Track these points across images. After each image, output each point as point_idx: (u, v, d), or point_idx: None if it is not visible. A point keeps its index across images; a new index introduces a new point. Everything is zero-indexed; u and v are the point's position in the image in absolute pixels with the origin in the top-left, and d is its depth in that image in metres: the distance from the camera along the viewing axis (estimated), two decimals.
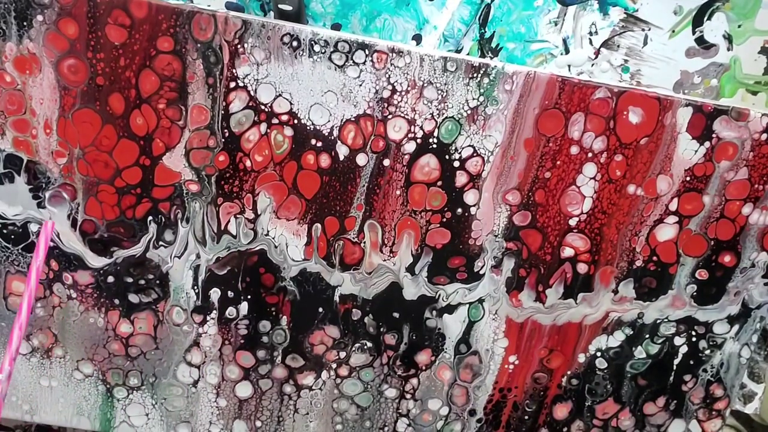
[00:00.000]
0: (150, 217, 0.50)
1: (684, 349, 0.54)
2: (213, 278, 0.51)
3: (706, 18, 0.47)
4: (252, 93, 0.46)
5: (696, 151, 0.48)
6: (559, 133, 0.47)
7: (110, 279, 0.51)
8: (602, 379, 0.55)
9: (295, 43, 0.45)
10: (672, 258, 0.51)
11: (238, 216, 0.49)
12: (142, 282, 0.51)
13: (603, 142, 0.47)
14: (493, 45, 0.48)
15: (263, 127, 0.47)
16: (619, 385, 0.55)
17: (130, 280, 0.51)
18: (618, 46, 0.48)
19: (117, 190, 0.49)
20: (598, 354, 0.54)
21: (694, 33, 0.48)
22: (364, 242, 0.50)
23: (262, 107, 0.47)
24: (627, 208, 0.49)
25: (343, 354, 0.54)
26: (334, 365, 0.54)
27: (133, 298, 0.52)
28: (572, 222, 0.50)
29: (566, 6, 0.47)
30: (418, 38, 0.48)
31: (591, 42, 0.48)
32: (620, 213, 0.49)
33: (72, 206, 0.49)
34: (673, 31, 0.48)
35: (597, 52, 0.49)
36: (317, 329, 0.53)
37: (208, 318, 0.52)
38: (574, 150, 0.48)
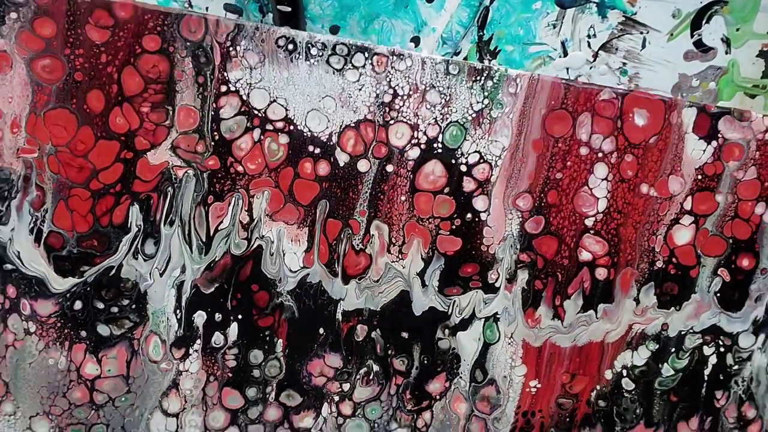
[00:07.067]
0: (130, 220, 0.44)
1: (713, 359, 0.50)
2: (198, 298, 0.45)
3: (704, 21, 0.48)
4: (244, 98, 0.43)
5: (704, 151, 0.47)
6: (568, 133, 0.46)
7: (77, 305, 0.44)
8: (630, 402, 0.50)
9: (290, 46, 0.43)
10: (692, 260, 0.48)
11: (229, 220, 0.44)
12: (115, 309, 0.45)
13: (612, 143, 0.46)
14: (492, 47, 0.47)
15: (256, 133, 0.44)
16: (649, 406, 0.50)
17: (101, 305, 0.45)
18: (616, 49, 0.48)
19: (92, 193, 0.43)
20: (624, 372, 0.49)
21: (692, 36, 0.48)
22: (370, 244, 0.46)
23: (256, 113, 0.43)
24: (642, 208, 0.47)
25: (346, 386, 0.47)
26: (336, 398, 0.48)
27: (103, 329, 0.45)
28: (588, 222, 0.47)
29: (565, 9, 0.47)
30: (416, 40, 0.47)
31: (589, 45, 0.48)
32: (636, 212, 0.47)
33: (38, 215, 0.43)
34: (672, 34, 0.48)
35: (595, 55, 0.48)
36: (317, 357, 0.47)
37: (190, 351, 0.46)
38: (584, 151, 0.46)
